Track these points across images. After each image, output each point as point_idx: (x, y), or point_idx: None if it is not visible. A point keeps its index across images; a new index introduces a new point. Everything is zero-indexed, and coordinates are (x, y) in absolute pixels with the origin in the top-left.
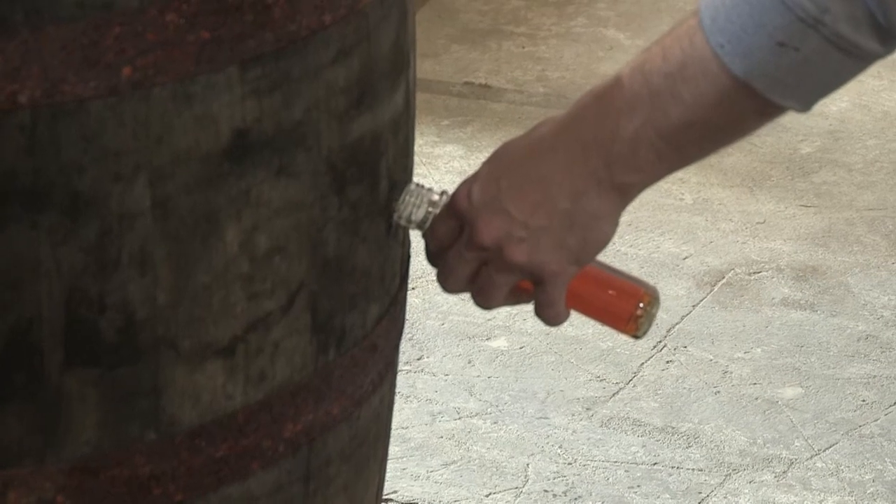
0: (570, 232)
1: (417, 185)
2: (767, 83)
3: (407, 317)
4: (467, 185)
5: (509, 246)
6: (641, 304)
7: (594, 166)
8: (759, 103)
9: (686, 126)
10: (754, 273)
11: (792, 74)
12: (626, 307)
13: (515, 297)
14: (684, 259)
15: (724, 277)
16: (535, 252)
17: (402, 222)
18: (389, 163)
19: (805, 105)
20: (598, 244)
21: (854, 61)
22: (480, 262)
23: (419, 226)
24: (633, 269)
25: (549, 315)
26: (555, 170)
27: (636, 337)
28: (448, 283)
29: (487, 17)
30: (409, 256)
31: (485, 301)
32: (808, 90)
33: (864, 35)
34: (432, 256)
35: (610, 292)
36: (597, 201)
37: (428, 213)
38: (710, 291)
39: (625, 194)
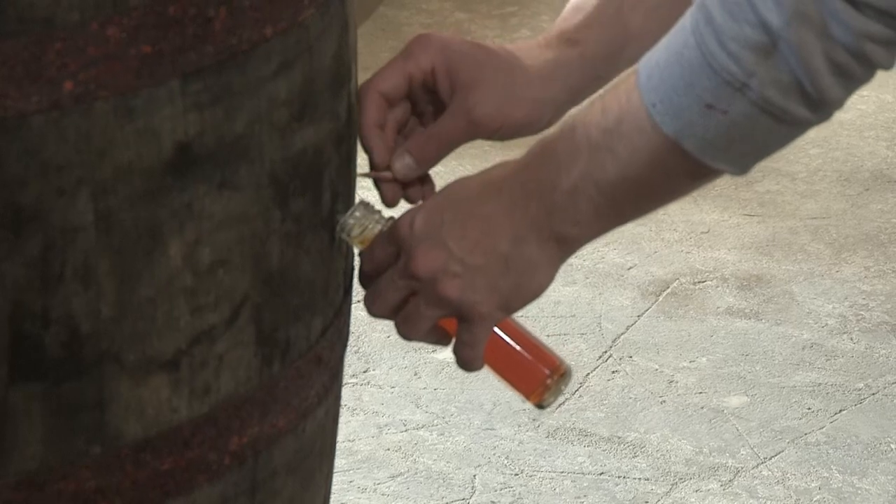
0: (504, 276)
1: (366, 204)
2: (698, 144)
3: (353, 329)
4: (412, 213)
5: (443, 280)
6: (554, 376)
7: (535, 213)
8: (691, 164)
9: (622, 182)
10: (699, 282)
11: (722, 137)
12: (539, 374)
13: (436, 336)
14: (629, 269)
15: (668, 287)
16: (467, 290)
17: (344, 236)
18: (332, 175)
19: (739, 169)
20: (530, 293)
21: (785, 127)
22: (410, 292)
23: (360, 244)
24: (577, 279)
25: (468, 356)
26: (498, 211)
27: (540, 407)
28: (374, 306)
29: (431, 29)
30: (353, 268)
31: (407, 331)
32: (739, 154)
33: (792, 101)
34: (364, 278)
35: (527, 356)
36: (535, 249)
37: (371, 232)
38: (655, 301)
39: (564, 246)
